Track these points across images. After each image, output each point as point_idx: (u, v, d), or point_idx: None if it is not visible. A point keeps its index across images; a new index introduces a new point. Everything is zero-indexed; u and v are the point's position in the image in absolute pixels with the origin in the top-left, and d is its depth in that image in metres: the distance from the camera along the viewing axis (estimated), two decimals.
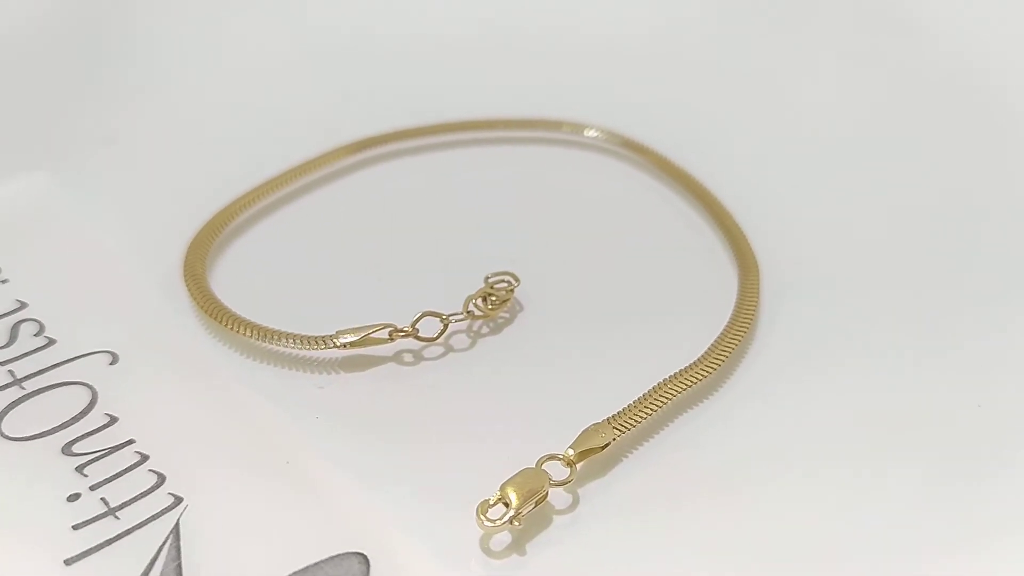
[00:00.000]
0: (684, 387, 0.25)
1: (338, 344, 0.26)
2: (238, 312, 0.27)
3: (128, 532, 0.21)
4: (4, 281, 0.28)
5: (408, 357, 0.27)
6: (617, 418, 0.24)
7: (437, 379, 0.27)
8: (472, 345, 0.28)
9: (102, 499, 0.22)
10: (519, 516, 0.22)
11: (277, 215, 0.31)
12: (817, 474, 0.24)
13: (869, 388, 0.27)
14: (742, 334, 0.27)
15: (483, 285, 0.28)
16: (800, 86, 0.37)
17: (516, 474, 0.23)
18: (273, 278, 0.29)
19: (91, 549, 0.21)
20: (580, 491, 0.24)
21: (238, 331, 0.26)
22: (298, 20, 0.39)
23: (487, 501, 0.22)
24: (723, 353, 0.26)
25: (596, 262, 0.30)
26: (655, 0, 0.40)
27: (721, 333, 0.27)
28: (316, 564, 0.20)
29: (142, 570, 0.20)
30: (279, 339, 0.26)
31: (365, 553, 0.21)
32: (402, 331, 0.27)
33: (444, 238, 0.31)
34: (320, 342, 0.26)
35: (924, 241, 0.31)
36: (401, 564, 0.21)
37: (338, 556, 0.21)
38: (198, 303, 0.27)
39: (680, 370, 0.26)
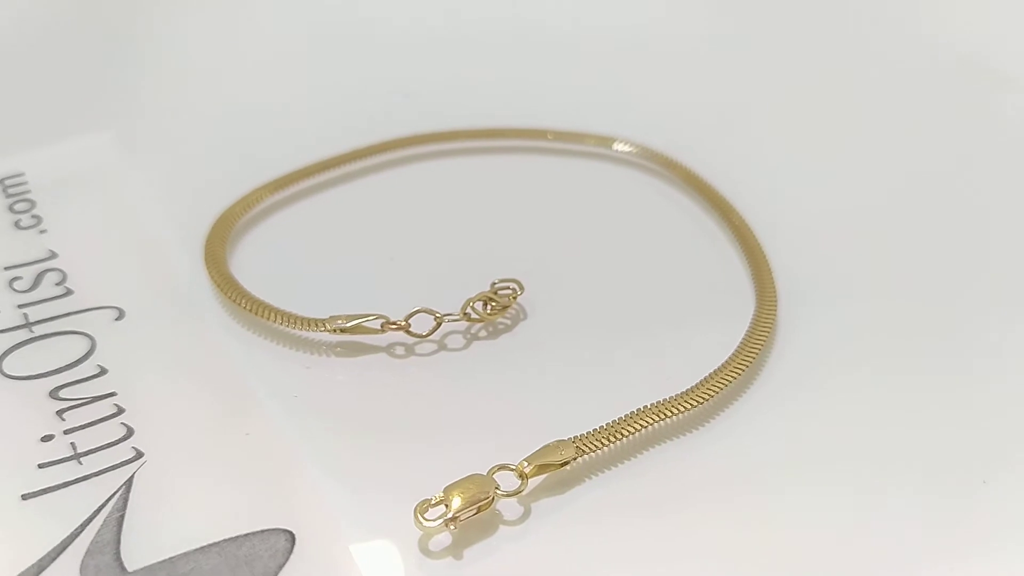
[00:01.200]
0: (662, 417, 0.25)
1: (330, 328, 0.27)
2: (247, 288, 0.28)
3: (86, 478, 0.22)
4: (43, 231, 0.30)
5: (399, 350, 0.27)
6: (583, 439, 0.24)
7: (423, 376, 0.27)
8: (466, 347, 0.28)
9: (72, 443, 0.23)
10: (457, 520, 0.22)
11: (305, 203, 0.32)
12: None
13: (873, 405, 0.26)
14: (741, 369, 0.26)
15: (487, 289, 0.28)
16: (815, 96, 0.38)
17: (463, 478, 0.22)
18: (291, 262, 0.30)
19: (49, 488, 0.22)
20: (534, 505, 0.23)
21: (239, 303, 0.27)
22: (359, 10, 0.40)
23: (428, 501, 0.22)
24: (715, 387, 0.25)
25: (607, 274, 0.30)
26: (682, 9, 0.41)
27: (720, 366, 0.26)
28: (245, 536, 0.21)
29: (88, 515, 0.21)
30: (276, 316, 0.27)
31: (294, 532, 0.21)
32: (394, 323, 0.27)
33: (462, 241, 0.31)
34: (314, 324, 0.27)
35: (939, 251, 0.31)
36: (327, 547, 0.21)
37: (267, 531, 0.21)
38: (210, 273, 0.28)
39: (665, 399, 0.25)
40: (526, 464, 0.23)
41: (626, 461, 0.24)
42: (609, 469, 0.24)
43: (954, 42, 0.40)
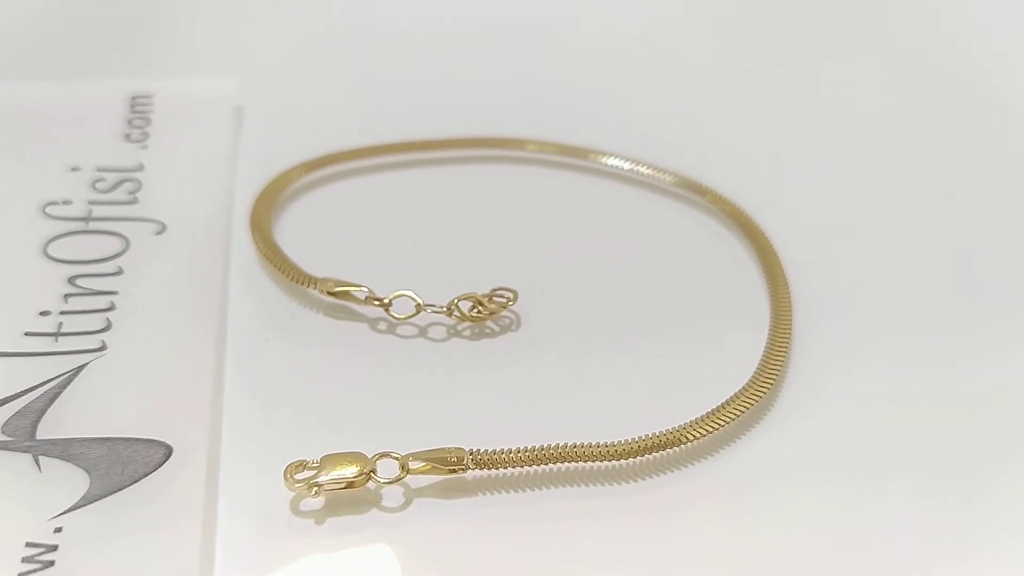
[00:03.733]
0: (590, 458, 0.24)
1: (320, 288, 0.28)
2: (275, 238, 0.30)
3: (51, 354, 0.25)
4: (144, 147, 0.33)
5: (382, 326, 0.28)
6: (483, 454, 0.24)
7: (391, 356, 0.28)
8: (445, 340, 0.28)
9: (60, 323, 0.26)
10: (321, 487, 0.23)
11: (369, 178, 0.33)
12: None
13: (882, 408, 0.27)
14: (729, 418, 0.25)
15: (486, 292, 0.29)
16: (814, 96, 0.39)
17: (345, 453, 0.23)
18: (333, 231, 0.32)
19: (20, 353, 0.25)
20: (419, 501, 0.24)
21: (256, 244, 0.29)
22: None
23: (304, 463, 0.23)
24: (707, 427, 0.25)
25: (612, 296, 0.30)
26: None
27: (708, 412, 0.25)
28: (135, 439, 0.23)
29: (33, 384, 0.24)
30: (279, 264, 0.29)
31: (173, 449, 0.23)
32: (377, 299, 0.28)
33: (483, 245, 0.31)
34: (308, 280, 0.28)
35: (951, 259, 0.32)
36: (196, 471, 0.23)
37: (151, 441, 0.23)
38: (252, 213, 0.31)
39: (607, 443, 0.24)
40: (411, 459, 0.23)
41: (543, 488, 0.24)
42: (517, 490, 0.24)
43: (971, 52, 0.41)
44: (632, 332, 0.29)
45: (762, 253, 0.31)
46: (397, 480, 0.23)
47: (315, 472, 0.23)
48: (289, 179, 0.32)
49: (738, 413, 0.26)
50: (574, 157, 0.35)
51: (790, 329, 0.28)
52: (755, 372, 0.27)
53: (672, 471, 0.25)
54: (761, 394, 0.26)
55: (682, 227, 0.33)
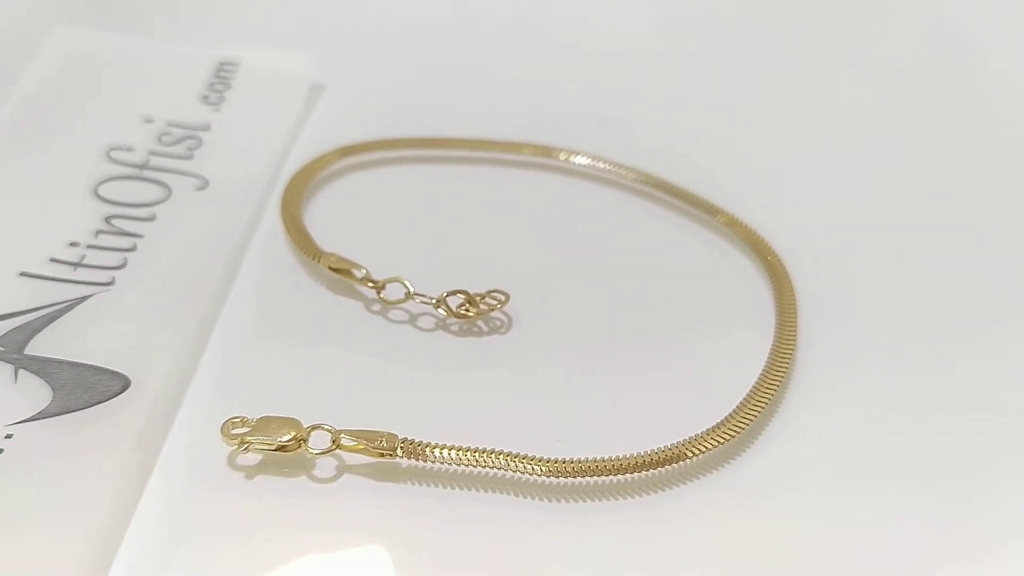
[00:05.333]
0: (529, 471, 0.24)
1: (323, 262, 0.29)
2: (302, 213, 0.31)
3: (66, 281, 0.27)
4: (217, 110, 0.36)
5: (376, 307, 0.29)
6: (415, 443, 0.24)
7: (375, 335, 0.28)
8: (431, 331, 0.29)
9: (83, 255, 0.28)
10: (249, 444, 0.24)
11: (400, 168, 0.34)
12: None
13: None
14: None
15: (480, 292, 0.29)
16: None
17: (282, 417, 0.24)
18: (357, 215, 0.32)
19: (39, 276, 0.27)
20: (352, 479, 0.24)
21: (281, 215, 0.31)
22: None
23: (242, 419, 0.24)
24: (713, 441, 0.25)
25: (611, 304, 0.30)
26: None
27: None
28: (102, 368, 0.25)
29: (40, 305, 0.26)
30: (294, 234, 0.30)
31: (132, 383, 0.24)
32: (371, 281, 0.29)
33: (497, 247, 0.32)
34: (315, 253, 0.30)
35: (955, 261, 0.32)
36: (148, 408, 0.24)
37: (114, 372, 0.25)
38: (285, 189, 0.32)
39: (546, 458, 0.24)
40: (344, 435, 0.24)
41: (474, 490, 0.24)
42: (447, 487, 0.24)
43: (977, 51, 0.41)
44: (628, 344, 0.29)
45: (770, 269, 0.31)
46: (327, 452, 0.24)
47: (250, 430, 0.24)
48: (327, 161, 0.33)
49: (742, 427, 0.26)
50: (600, 171, 0.34)
51: (794, 340, 0.28)
52: (756, 383, 0.27)
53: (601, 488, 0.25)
54: (763, 406, 0.26)
55: (687, 239, 0.32)
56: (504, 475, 0.25)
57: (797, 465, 0.26)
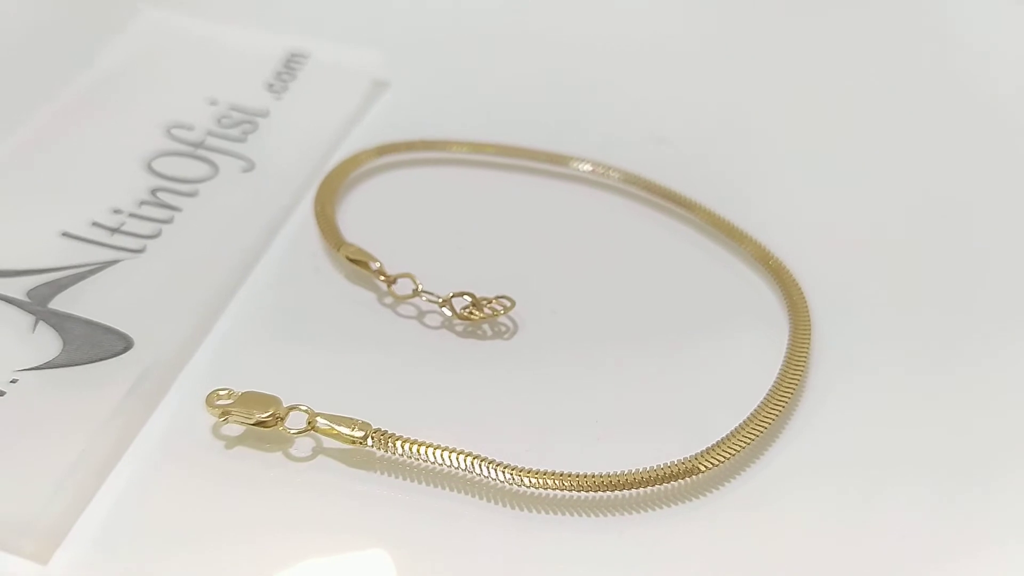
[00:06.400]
0: (509, 480, 0.24)
1: (341, 252, 0.30)
2: (335, 204, 0.32)
3: (100, 244, 0.29)
4: (279, 98, 0.37)
5: (387, 300, 0.30)
6: (384, 436, 0.25)
7: (382, 328, 0.29)
8: (435, 330, 0.29)
9: (123, 222, 0.30)
10: (229, 416, 0.25)
11: (435, 169, 0.35)
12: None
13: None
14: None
15: (488, 296, 0.29)
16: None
17: (263, 393, 0.25)
18: (388, 211, 0.33)
19: (79, 238, 0.29)
20: (327, 461, 0.25)
21: (314, 205, 0.32)
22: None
23: (228, 392, 0.25)
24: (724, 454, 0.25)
25: (621, 319, 0.30)
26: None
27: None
28: (112, 328, 0.26)
29: (73, 264, 0.28)
30: (322, 223, 0.31)
31: (134, 344, 0.26)
32: (384, 275, 0.29)
33: (518, 254, 0.32)
34: (337, 243, 0.30)
35: (942, 260, 0.33)
36: (145, 370, 0.25)
37: (121, 332, 0.26)
38: (322, 181, 0.33)
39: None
40: (320, 417, 0.25)
41: (441, 488, 0.25)
42: (418, 482, 0.25)
43: (976, 54, 0.42)
44: (634, 356, 0.29)
45: (781, 284, 0.31)
46: (302, 432, 0.25)
47: (232, 403, 0.25)
48: (364, 158, 0.34)
49: (750, 440, 0.26)
50: (625, 183, 0.34)
51: (807, 352, 0.28)
52: (768, 394, 0.27)
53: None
54: (775, 416, 0.26)
55: (701, 254, 0.32)
56: (474, 478, 0.25)
57: (808, 475, 0.26)
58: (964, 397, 0.28)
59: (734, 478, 0.26)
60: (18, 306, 0.27)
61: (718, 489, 0.25)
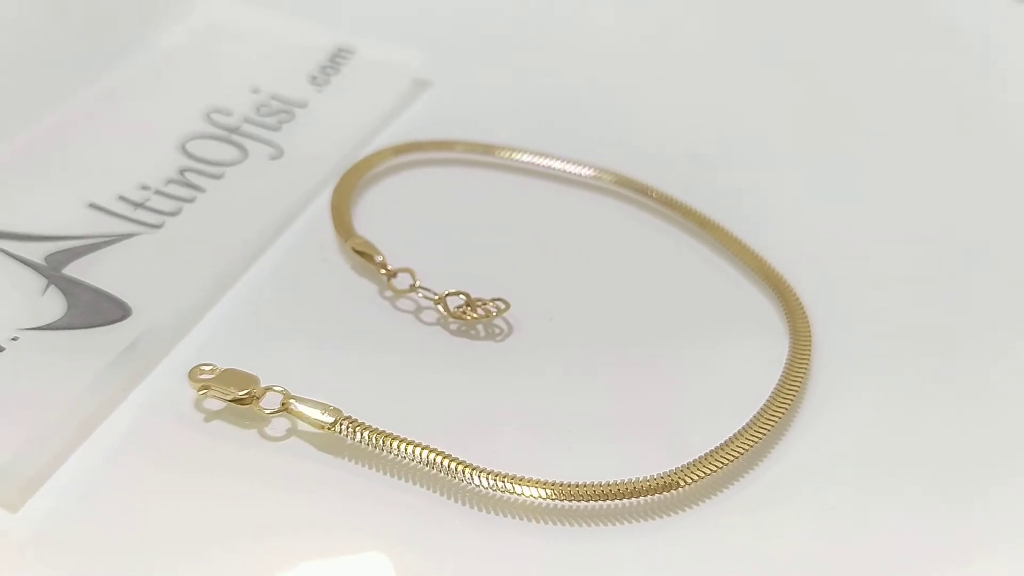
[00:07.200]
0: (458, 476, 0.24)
1: (348, 243, 0.31)
2: (351, 198, 0.33)
3: (122, 217, 0.30)
4: (320, 91, 0.38)
5: (388, 294, 0.30)
6: (351, 424, 0.25)
7: (380, 319, 0.30)
8: (430, 325, 0.30)
9: (148, 198, 0.31)
10: (209, 390, 0.25)
11: (453, 170, 0.35)
12: None
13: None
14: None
15: (483, 297, 0.29)
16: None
17: (244, 371, 0.26)
18: (402, 208, 0.34)
19: (104, 210, 0.31)
20: (300, 444, 0.26)
21: (331, 197, 0.33)
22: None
23: (212, 368, 0.26)
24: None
25: (615, 325, 0.30)
26: None
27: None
28: (114, 297, 0.27)
29: (95, 233, 0.30)
30: (335, 214, 0.32)
31: (132, 312, 0.27)
32: (385, 268, 0.30)
33: (523, 257, 0.32)
34: (346, 234, 0.31)
35: (941, 263, 0.33)
36: (133, 337, 0.27)
37: (120, 301, 0.27)
38: (342, 176, 0.34)
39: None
40: (293, 400, 0.25)
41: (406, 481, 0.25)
42: (384, 472, 0.25)
43: (978, 59, 0.42)
44: (627, 366, 0.29)
45: (781, 297, 0.30)
46: (276, 413, 0.25)
47: (213, 378, 0.26)
48: (383, 157, 0.35)
49: (738, 455, 0.26)
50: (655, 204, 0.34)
51: (808, 367, 0.28)
52: (764, 405, 0.27)
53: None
54: (762, 435, 0.26)
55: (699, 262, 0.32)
56: (439, 476, 0.25)
57: (809, 480, 0.26)
58: (963, 402, 0.28)
59: (732, 484, 0.26)
60: (34, 269, 0.28)
61: (714, 496, 0.25)
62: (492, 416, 0.27)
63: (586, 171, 0.35)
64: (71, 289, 0.28)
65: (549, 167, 0.35)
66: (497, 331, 0.29)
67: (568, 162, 0.35)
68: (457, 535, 0.24)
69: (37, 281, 0.28)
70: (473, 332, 0.29)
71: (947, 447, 0.27)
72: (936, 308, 0.31)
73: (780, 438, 0.27)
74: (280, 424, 0.26)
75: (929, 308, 0.31)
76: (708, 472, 0.25)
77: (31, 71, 0.37)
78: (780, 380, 0.28)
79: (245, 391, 0.25)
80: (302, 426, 0.26)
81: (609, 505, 0.25)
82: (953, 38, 0.44)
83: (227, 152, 0.34)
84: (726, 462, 0.25)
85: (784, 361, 0.29)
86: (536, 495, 0.24)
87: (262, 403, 0.25)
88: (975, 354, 0.29)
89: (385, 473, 0.25)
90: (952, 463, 0.27)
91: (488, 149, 0.36)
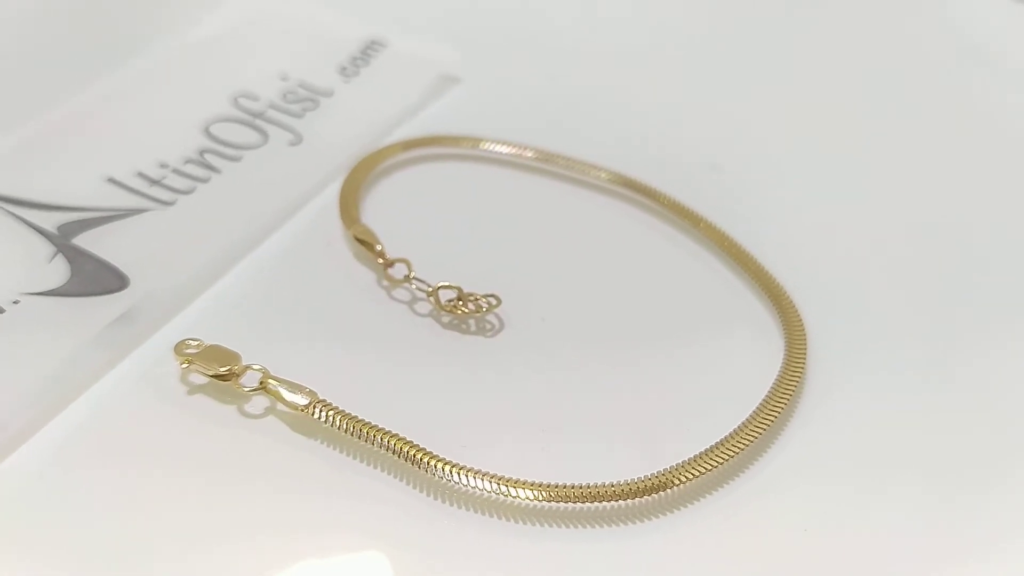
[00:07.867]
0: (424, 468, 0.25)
1: (350, 231, 0.31)
2: (360, 188, 0.33)
3: (138, 193, 0.31)
4: (347, 82, 0.38)
5: (384, 283, 0.31)
6: (325, 406, 0.25)
7: (374, 308, 0.30)
8: (423, 318, 0.30)
9: (164, 176, 0.32)
10: (192, 365, 0.26)
11: (460, 165, 0.35)
12: None
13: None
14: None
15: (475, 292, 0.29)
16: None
17: (227, 348, 0.26)
18: (409, 201, 0.34)
19: (120, 184, 0.32)
20: (276, 424, 0.26)
21: (341, 185, 0.33)
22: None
23: (198, 343, 0.26)
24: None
25: (607, 324, 0.30)
26: None
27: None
28: (113, 267, 0.28)
29: (108, 206, 0.31)
30: (342, 202, 0.32)
31: (129, 283, 0.28)
32: (383, 258, 0.30)
33: (524, 255, 0.32)
34: (351, 221, 0.31)
35: (936, 262, 0.33)
36: (133, 304, 0.27)
37: (120, 272, 0.28)
38: (353, 166, 0.34)
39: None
40: (271, 380, 0.26)
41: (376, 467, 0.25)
42: (355, 458, 0.25)
43: (978, 61, 0.42)
44: (616, 365, 0.29)
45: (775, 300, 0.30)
46: (255, 391, 0.26)
47: (197, 353, 0.26)
48: (392, 151, 0.35)
49: (730, 455, 0.26)
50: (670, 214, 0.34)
51: (803, 367, 0.28)
52: (759, 405, 0.27)
53: None
54: (764, 428, 0.26)
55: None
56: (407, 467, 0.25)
57: (805, 479, 0.26)
58: (961, 402, 0.28)
59: (726, 484, 0.25)
60: (46, 236, 0.29)
61: (708, 497, 0.25)
62: (475, 411, 0.27)
63: (590, 173, 0.35)
64: (77, 258, 0.29)
65: (553, 167, 0.35)
66: (488, 327, 0.30)
67: (572, 162, 0.35)
68: (444, 535, 0.24)
69: (46, 248, 0.29)
70: (464, 326, 0.30)
71: (944, 447, 0.27)
72: (933, 309, 0.31)
73: (775, 438, 0.27)
74: (260, 403, 0.26)
75: (926, 309, 0.31)
76: (702, 472, 0.25)
77: (73, 50, 0.39)
78: (775, 380, 0.28)
79: (226, 368, 0.26)
80: (281, 407, 0.26)
81: (601, 506, 0.25)
82: (953, 38, 0.43)
83: (248, 136, 0.35)
84: (720, 462, 0.25)
85: (779, 361, 0.28)
86: (529, 496, 0.24)
87: (242, 380, 0.26)
88: (972, 354, 0.29)
89: (358, 459, 0.25)
90: (949, 463, 0.26)
91: (502, 146, 0.36)
